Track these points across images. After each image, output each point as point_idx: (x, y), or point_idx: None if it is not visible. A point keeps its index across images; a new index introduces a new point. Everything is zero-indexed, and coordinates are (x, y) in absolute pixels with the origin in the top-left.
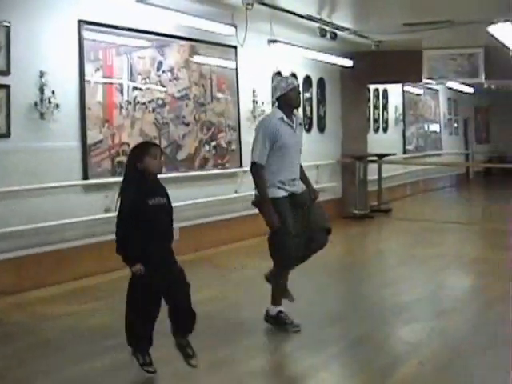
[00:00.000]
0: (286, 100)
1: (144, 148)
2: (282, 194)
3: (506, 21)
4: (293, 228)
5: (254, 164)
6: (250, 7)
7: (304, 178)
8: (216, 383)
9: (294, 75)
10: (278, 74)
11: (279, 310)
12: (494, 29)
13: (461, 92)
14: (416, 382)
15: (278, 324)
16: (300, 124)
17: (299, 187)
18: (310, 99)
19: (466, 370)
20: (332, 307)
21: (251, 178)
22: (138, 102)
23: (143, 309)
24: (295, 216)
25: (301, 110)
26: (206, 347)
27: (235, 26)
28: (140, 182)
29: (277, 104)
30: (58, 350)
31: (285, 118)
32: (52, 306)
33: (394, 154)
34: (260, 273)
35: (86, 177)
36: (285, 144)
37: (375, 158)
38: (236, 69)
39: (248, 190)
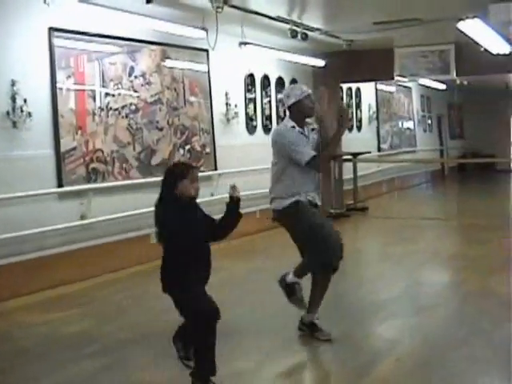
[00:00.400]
0: (299, 108)
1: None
2: (298, 198)
3: (474, 17)
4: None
5: (309, 162)
6: (220, 10)
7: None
8: None
9: (266, 77)
10: (251, 76)
11: (315, 318)
12: (463, 25)
13: (434, 89)
14: (395, 378)
15: (312, 331)
16: (313, 130)
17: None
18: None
19: (444, 365)
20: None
21: (230, 180)
22: (111, 108)
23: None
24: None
25: (274, 111)
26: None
27: (206, 30)
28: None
29: (288, 114)
30: (38, 358)
31: (296, 127)
32: (30, 314)
33: (368, 153)
34: (236, 273)
35: (60, 184)
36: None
37: (350, 157)
38: (208, 72)
39: (224, 192)
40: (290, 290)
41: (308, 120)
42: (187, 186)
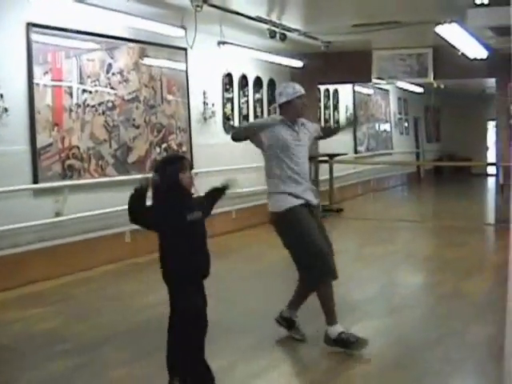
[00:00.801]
0: (290, 107)
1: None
2: (296, 202)
3: (452, 21)
4: (318, 236)
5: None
6: (199, 9)
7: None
8: None
9: (244, 76)
10: (229, 75)
11: (340, 330)
12: (441, 29)
13: (411, 92)
14: (366, 379)
15: (344, 346)
16: (302, 124)
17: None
18: (261, 100)
19: (418, 365)
20: (282, 307)
21: (206, 179)
22: (88, 105)
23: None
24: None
25: (252, 111)
26: (158, 349)
27: (185, 28)
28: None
29: (279, 111)
30: (12, 355)
31: (286, 121)
32: (3, 311)
33: (345, 154)
34: (212, 273)
35: (35, 181)
36: (287, 147)
37: (326, 158)
38: (186, 71)
39: (201, 191)
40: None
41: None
42: (187, 177)
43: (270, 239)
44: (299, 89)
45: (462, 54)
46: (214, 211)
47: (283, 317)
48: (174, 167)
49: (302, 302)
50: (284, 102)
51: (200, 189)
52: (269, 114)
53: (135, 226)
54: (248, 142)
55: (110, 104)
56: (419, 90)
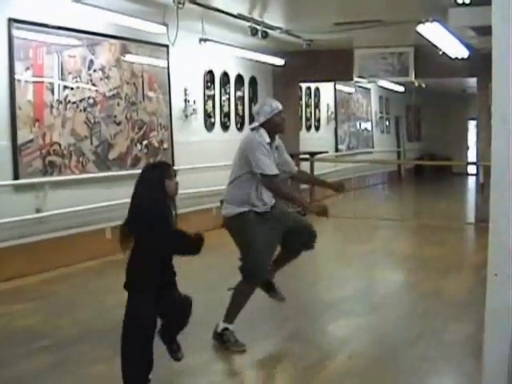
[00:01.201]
0: (269, 125)
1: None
2: (248, 209)
3: (433, 21)
4: (265, 244)
5: (271, 177)
6: (181, 6)
7: (315, 179)
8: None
9: (225, 74)
10: (210, 72)
11: (226, 327)
12: (422, 29)
13: (392, 91)
14: (346, 376)
15: (222, 342)
16: (276, 148)
17: (269, 205)
18: (242, 98)
19: (396, 363)
20: (264, 305)
21: (187, 176)
22: (69, 102)
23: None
24: (269, 229)
25: (233, 108)
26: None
27: (166, 25)
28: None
29: (252, 127)
30: None
31: (266, 140)
32: None
33: (326, 152)
34: (192, 269)
35: (16, 177)
36: None
37: (307, 157)
38: (168, 68)
39: (181, 188)
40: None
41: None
42: (173, 185)
43: None
44: (276, 106)
45: (444, 53)
46: (194, 208)
47: (217, 332)
48: (159, 174)
49: (282, 266)
50: (263, 121)
51: (181, 186)
52: (250, 112)
53: (116, 223)
54: (226, 139)
55: (91, 100)
56: (400, 89)
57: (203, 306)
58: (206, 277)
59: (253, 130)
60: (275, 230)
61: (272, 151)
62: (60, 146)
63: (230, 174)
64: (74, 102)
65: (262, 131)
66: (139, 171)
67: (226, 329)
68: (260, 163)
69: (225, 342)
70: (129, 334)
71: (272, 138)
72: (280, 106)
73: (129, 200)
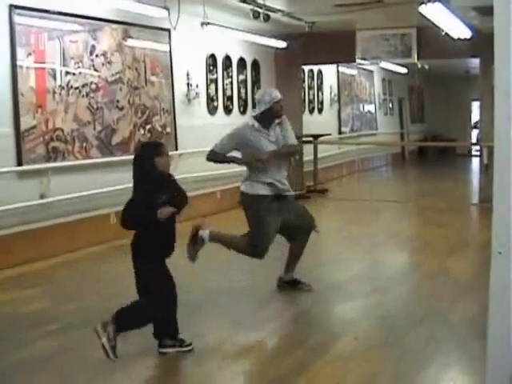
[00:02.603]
0: (269, 113)
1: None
2: (264, 192)
3: (435, 1)
4: (271, 227)
5: (210, 151)
6: None
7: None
8: (150, 367)
9: (228, 57)
10: (212, 56)
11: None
12: (424, 9)
13: (395, 72)
14: (352, 357)
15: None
16: (278, 124)
17: (284, 188)
18: (245, 81)
19: (401, 344)
20: (269, 287)
21: (189, 161)
22: (72, 87)
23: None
24: (276, 214)
25: (236, 92)
26: (140, 331)
27: (168, 9)
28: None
29: (254, 114)
30: None
31: (255, 125)
32: None
33: (329, 135)
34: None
35: (19, 163)
36: (259, 149)
37: (311, 139)
38: (170, 52)
39: (184, 172)
40: (197, 241)
41: None
42: (163, 162)
43: None
44: (275, 95)
45: (446, 34)
46: (198, 192)
47: (286, 281)
48: (150, 151)
49: (295, 262)
50: (264, 110)
51: (184, 170)
52: (252, 96)
53: (120, 208)
54: (229, 123)
55: (93, 86)
56: (403, 70)
57: (208, 290)
58: (210, 260)
59: (255, 116)
60: (282, 217)
61: (268, 133)
62: (63, 131)
63: None
64: (76, 88)
65: (250, 118)
66: None
67: (202, 238)
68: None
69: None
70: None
71: (270, 122)
72: (279, 95)
73: (131, 185)
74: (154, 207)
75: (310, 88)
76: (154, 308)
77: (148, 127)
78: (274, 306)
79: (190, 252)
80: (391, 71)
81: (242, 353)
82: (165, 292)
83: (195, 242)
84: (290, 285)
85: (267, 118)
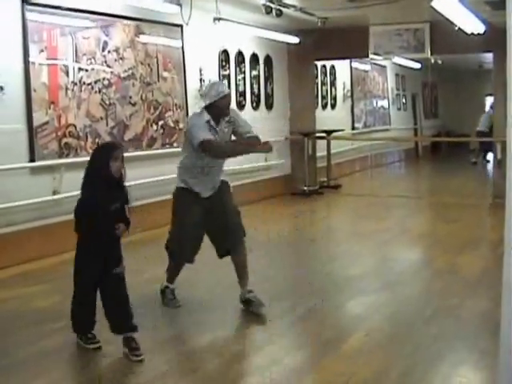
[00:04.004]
0: (214, 108)
1: (108, 151)
2: (185, 186)
3: None
4: (192, 225)
5: (202, 142)
6: None
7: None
8: (165, 361)
9: (240, 53)
10: (225, 52)
11: (166, 285)
12: (437, 4)
13: (408, 68)
14: (362, 353)
15: (163, 297)
16: (228, 122)
17: (209, 191)
18: (258, 77)
19: (412, 339)
20: (279, 282)
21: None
22: (84, 83)
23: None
24: (201, 215)
25: (248, 87)
26: (152, 328)
27: (180, 5)
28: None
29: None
30: (6, 333)
31: (211, 122)
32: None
33: (342, 130)
34: (208, 250)
35: (32, 159)
36: None
37: (324, 135)
38: (182, 47)
39: None
40: (162, 295)
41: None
42: (116, 167)
43: (266, 215)
44: (222, 89)
45: (459, 28)
46: None
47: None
48: (105, 154)
49: (242, 271)
50: (208, 104)
51: None
52: (266, 92)
53: (132, 204)
54: (246, 119)
55: (106, 82)
56: (417, 65)
57: (217, 287)
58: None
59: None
60: (208, 217)
61: (217, 130)
62: (75, 127)
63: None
64: (88, 84)
65: (205, 113)
66: (155, 152)
67: (167, 287)
68: (194, 135)
69: (163, 298)
70: None
71: (217, 119)
72: (226, 91)
73: (144, 180)
74: (110, 216)
75: (322, 83)
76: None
77: (161, 123)
78: (285, 302)
79: (169, 303)
80: (404, 66)
81: (253, 349)
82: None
83: (164, 296)
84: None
85: (214, 114)
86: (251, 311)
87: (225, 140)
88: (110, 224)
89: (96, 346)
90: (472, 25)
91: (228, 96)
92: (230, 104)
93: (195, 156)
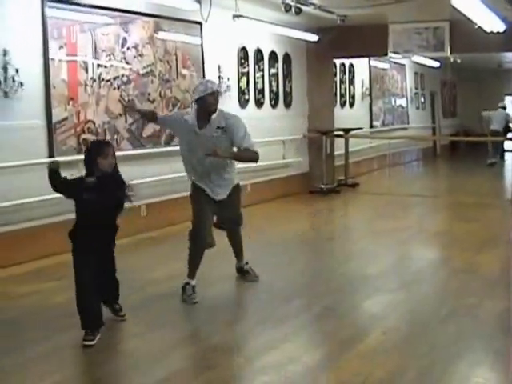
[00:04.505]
0: (202, 104)
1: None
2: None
3: None
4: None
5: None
6: None
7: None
8: (180, 359)
9: (259, 50)
10: (244, 49)
11: (187, 281)
12: (457, 2)
13: (427, 66)
14: (379, 352)
15: (183, 293)
16: (219, 128)
17: (218, 194)
18: (276, 75)
19: (429, 339)
20: (297, 280)
21: None
22: (103, 80)
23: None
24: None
25: (267, 85)
26: (168, 325)
27: (199, 2)
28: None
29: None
30: (26, 328)
31: (194, 122)
32: (17, 285)
33: (360, 129)
34: (224, 249)
35: (51, 155)
36: (189, 144)
37: (342, 133)
38: (201, 45)
39: None
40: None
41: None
42: (105, 163)
43: (283, 213)
44: (211, 86)
45: (479, 27)
46: None
47: (237, 268)
48: (93, 151)
49: (239, 250)
50: (196, 98)
51: None
52: (284, 89)
53: (150, 200)
54: (260, 116)
55: (124, 78)
56: (436, 64)
57: (232, 285)
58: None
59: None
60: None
61: (196, 132)
62: (94, 124)
63: None
64: (107, 80)
65: (193, 114)
66: (173, 148)
67: (188, 283)
68: (248, 138)
69: (183, 294)
70: None
71: (203, 116)
72: (215, 88)
73: (162, 177)
74: (83, 202)
75: (341, 82)
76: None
77: None
78: (301, 300)
79: (187, 299)
80: (423, 65)
81: (269, 347)
82: (81, 281)
83: (184, 293)
84: (238, 272)
85: (201, 111)
86: (245, 280)
87: (206, 145)
88: (84, 209)
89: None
90: (492, 23)
91: (215, 93)
92: (217, 102)
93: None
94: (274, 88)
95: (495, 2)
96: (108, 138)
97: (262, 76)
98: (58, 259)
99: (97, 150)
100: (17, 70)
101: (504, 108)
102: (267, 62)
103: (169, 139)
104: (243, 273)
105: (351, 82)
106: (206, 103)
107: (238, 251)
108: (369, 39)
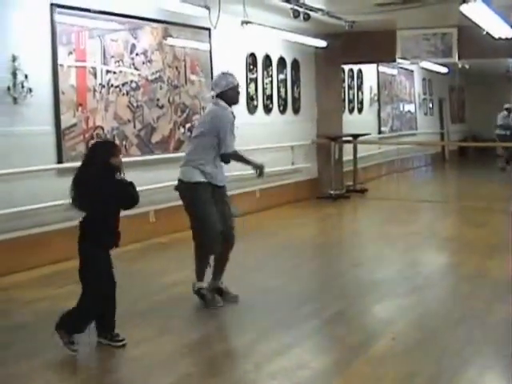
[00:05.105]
0: (224, 97)
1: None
2: (203, 179)
3: (477, 0)
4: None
5: (231, 155)
6: None
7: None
8: (190, 364)
9: (268, 56)
10: (252, 55)
11: (202, 286)
12: (466, 8)
13: (435, 72)
14: (389, 357)
15: (202, 299)
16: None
17: (221, 181)
18: (285, 80)
19: (439, 344)
20: (306, 286)
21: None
22: (112, 85)
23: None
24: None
25: (275, 91)
26: (177, 330)
27: (208, 8)
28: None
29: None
30: (37, 333)
31: (233, 113)
32: (28, 290)
33: (368, 134)
34: (236, 251)
35: (60, 161)
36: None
37: (350, 139)
38: (210, 51)
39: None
40: (201, 296)
41: None
42: (118, 161)
43: (292, 219)
44: (232, 80)
45: (487, 33)
46: (237, 191)
47: (212, 288)
48: (104, 150)
49: (222, 268)
50: (218, 93)
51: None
52: (293, 94)
53: (159, 206)
54: (268, 122)
55: (133, 84)
56: (444, 70)
57: (243, 289)
58: (249, 258)
59: (215, 103)
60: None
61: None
62: (103, 129)
63: (194, 136)
64: (116, 86)
65: (228, 108)
66: (182, 154)
67: (201, 288)
68: (226, 140)
69: (204, 299)
70: None
71: None
72: (235, 82)
73: (171, 183)
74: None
75: (349, 87)
76: (93, 306)
77: (188, 126)
78: (310, 305)
79: (211, 303)
80: (431, 71)
81: (279, 352)
82: (101, 285)
83: (203, 298)
84: (217, 292)
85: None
86: (226, 300)
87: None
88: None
89: (121, 344)
90: (500, 29)
91: (237, 87)
92: (239, 94)
93: (217, 147)
94: (283, 94)
95: (503, 8)
96: (117, 143)
97: (271, 82)
98: (70, 265)
99: (107, 151)
100: (26, 76)
101: (508, 110)
102: (276, 68)
103: (177, 145)
104: (221, 293)
105: (359, 87)
106: (229, 97)
107: (221, 269)
108: (377, 45)
